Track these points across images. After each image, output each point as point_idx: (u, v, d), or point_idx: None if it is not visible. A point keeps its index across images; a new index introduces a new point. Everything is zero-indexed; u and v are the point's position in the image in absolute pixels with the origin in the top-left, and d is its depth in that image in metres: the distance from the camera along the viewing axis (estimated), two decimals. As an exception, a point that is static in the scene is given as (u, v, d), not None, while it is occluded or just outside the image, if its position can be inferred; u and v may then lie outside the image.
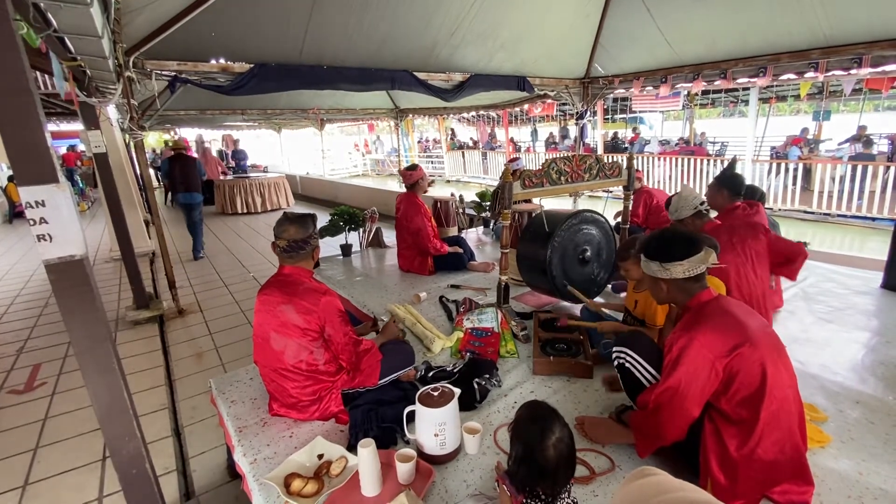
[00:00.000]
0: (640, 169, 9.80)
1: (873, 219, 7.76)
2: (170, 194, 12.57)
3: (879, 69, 3.85)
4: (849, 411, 1.97)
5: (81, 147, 14.21)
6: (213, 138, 15.42)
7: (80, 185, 13.71)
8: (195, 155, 14.47)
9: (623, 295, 3.02)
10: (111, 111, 5.86)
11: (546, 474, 1.19)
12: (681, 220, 2.63)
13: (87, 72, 3.34)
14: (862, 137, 9.31)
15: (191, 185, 6.52)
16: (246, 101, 7.86)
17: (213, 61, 3.88)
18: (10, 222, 10.70)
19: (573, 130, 13.26)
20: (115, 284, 5.60)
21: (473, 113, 10.50)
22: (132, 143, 4.06)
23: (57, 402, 3.14)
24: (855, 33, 3.78)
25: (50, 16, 1.92)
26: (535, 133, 18.36)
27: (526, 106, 7.45)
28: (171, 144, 6.83)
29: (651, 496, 0.67)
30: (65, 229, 1.35)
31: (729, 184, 2.95)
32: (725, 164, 9.74)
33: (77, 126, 6.79)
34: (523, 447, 1.22)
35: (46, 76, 6.02)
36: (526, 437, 1.22)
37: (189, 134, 15.83)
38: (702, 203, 2.60)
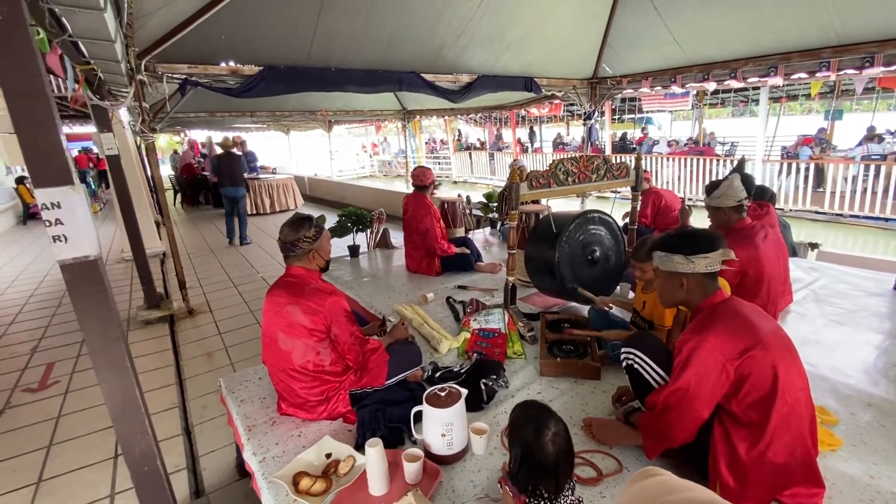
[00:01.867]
0: (648, 169, 9.75)
1: (886, 219, 7.65)
2: (179, 195, 12.77)
3: (892, 68, 3.79)
4: (860, 414, 1.95)
5: (95, 149, 14.44)
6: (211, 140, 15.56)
7: (93, 187, 13.91)
8: (204, 153, 14.62)
9: (631, 296, 3.00)
10: (123, 114, 5.95)
11: (548, 471, 1.20)
12: (719, 207, 2.55)
13: (100, 75, 3.40)
14: (874, 137, 9.18)
15: (235, 179, 7.36)
16: (255, 104, 7.92)
17: (223, 64, 3.92)
18: (25, 223, 10.88)
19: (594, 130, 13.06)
20: (126, 285, 5.68)
21: (481, 114, 10.50)
22: (143, 146, 4.11)
23: (70, 400, 3.19)
24: (867, 32, 3.73)
25: (65, 21, 1.96)
26: (532, 134, 18.13)
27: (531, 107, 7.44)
28: (220, 143, 7.89)
29: (658, 495, 0.67)
30: (79, 230, 1.37)
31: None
32: (735, 163, 9.65)
33: (90, 128, 6.91)
34: (521, 448, 1.23)
35: (60, 79, 6.12)
36: (523, 437, 1.24)
37: (199, 136, 16.01)
38: (745, 198, 2.54)
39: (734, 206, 2.54)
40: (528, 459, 1.21)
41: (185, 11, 3.22)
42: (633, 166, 3.18)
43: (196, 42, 3.54)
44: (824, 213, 8.33)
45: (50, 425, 2.90)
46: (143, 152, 7.01)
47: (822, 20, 3.82)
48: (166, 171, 15.32)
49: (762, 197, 3.36)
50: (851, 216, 8.03)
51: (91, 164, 14.86)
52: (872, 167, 7.89)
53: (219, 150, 7.96)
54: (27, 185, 10.68)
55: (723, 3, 4.18)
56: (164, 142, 20.94)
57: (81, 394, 3.26)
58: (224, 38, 3.78)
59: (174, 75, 3.75)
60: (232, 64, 3.95)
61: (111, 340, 1.52)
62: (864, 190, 7.91)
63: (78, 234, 1.37)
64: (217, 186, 7.83)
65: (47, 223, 1.34)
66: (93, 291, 1.45)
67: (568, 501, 1.23)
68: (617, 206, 5.11)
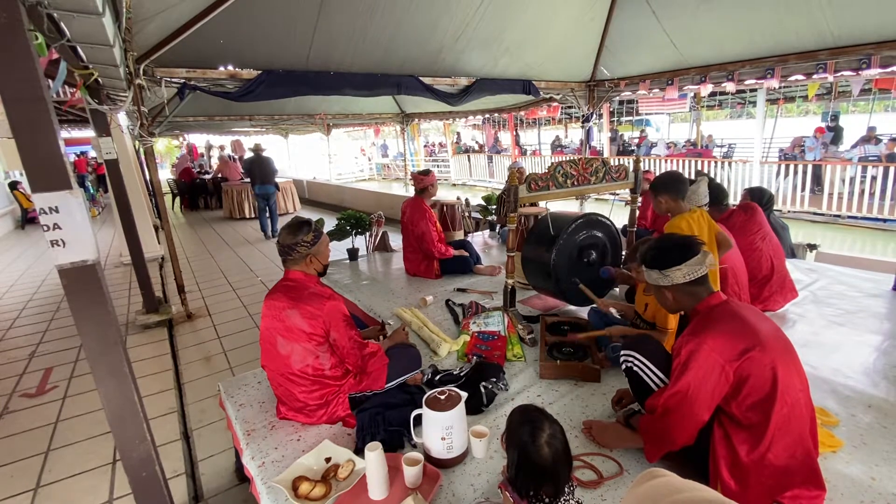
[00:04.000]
0: (649, 170, 9.70)
1: (884, 220, 7.67)
2: (178, 199, 12.78)
3: (889, 69, 3.82)
4: (861, 415, 1.95)
5: (92, 153, 14.47)
6: (221, 143, 15.60)
7: (92, 191, 13.90)
8: (203, 157, 14.69)
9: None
10: (122, 118, 5.95)
11: (546, 474, 1.20)
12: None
13: (99, 80, 3.40)
14: (871, 139, 9.23)
15: (266, 178, 8.20)
16: (253, 107, 7.95)
17: (222, 68, 3.93)
18: (23, 228, 10.85)
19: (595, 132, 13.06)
20: (125, 289, 5.67)
21: (480, 117, 10.54)
22: (142, 150, 4.11)
23: (68, 405, 3.18)
24: (863, 34, 3.76)
25: (63, 25, 1.96)
26: (517, 137, 17.89)
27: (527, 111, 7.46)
28: (252, 147, 8.60)
29: (664, 495, 0.67)
30: (78, 235, 1.37)
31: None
32: (733, 166, 9.67)
33: (88, 133, 6.93)
34: (518, 452, 1.23)
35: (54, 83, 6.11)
36: (518, 441, 1.24)
37: (198, 140, 16.03)
38: (706, 204, 2.72)
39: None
40: (525, 463, 1.21)
41: (184, 16, 3.22)
42: (631, 169, 3.18)
43: (194, 46, 3.55)
44: (822, 215, 8.35)
45: (48, 430, 2.89)
46: (142, 156, 7.02)
47: (819, 22, 3.84)
48: (165, 174, 15.33)
49: (759, 199, 3.37)
50: (849, 217, 8.05)
51: (90, 169, 14.86)
52: (870, 168, 7.92)
53: (246, 154, 8.83)
54: (21, 190, 10.68)
55: (719, 6, 4.20)
56: (163, 146, 20.97)
57: (79, 399, 3.24)
58: (223, 42, 3.79)
59: (173, 79, 3.76)
60: (230, 68, 3.96)
61: (109, 345, 1.51)
62: (862, 191, 7.94)
63: (76, 239, 1.37)
64: (251, 184, 8.57)
65: (45, 228, 1.34)
66: (91, 296, 1.44)
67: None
68: (616, 209, 5.13)
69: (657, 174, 3.17)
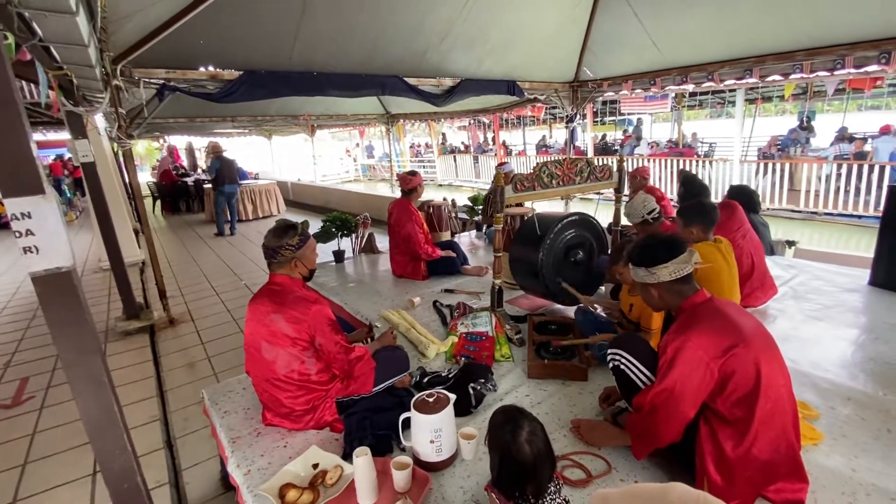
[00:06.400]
0: (645, 167, 9.69)
1: (859, 216, 7.89)
2: (158, 202, 12.54)
3: (861, 70, 3.92)
4: (840, 408, 1.99)
5: (69, 156, 14.08)
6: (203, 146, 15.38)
7: (68, 195, 13.54)
8: (183, 161, 14.52)
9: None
10: (99, 120, 5.80)
11: (528, 473, 1.20)
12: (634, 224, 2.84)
13: (74, 81, 3.31)
14: (846, 138, 9.49)
15: (234, 178, 8.96)
16: (236, 108, 7.83)
17: (202, 69, 3.86)
18: (-5, 233, 10.52)
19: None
20: (104, 295, 5.53)
21: (468, 120, 10.56)
22: (120, 152, 4.01)
23: (45, 416, 3.08)
24: (837, 35, 3.85)
25: (35, 25, 1.90)
26: (497, 137, 17.79)
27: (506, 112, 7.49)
28: (213, 148, 9.31)
29: (658, 499, 0.69)
30: (51, 241, 1.32)
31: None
32: (714, 164, 9.84)
33: (64, 135, 6.75)
34: (499, 452, 1.24)
35: (32, 85, 5.94)
36: (499, 442, 1.25)
37: (179, 142, 15.75)
38: (649, 212, 2.74)
39: (640, 223, 2.78)
40: (507, 463, 1.22)
41: (162, 16, 3.16)
42: (615, 168, 3.21)
43: (174, 46, 3.48)
44: (799, 212, 8.57)
45: (25, 442, 2.80)
46: (121, 159, 6.87)
47: (794, 24, 3.93)
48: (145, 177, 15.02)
49: (742, 200, 3.42)
50: (826, 214, 8.26)
51: (66, 172, 14.45)
52: (845, 166, 8.14)
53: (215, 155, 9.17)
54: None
55: (699, 8, 4.27)
56: (143, 148, 20.57)
57: (58, 409, 3.15)
58: (203, 43, 3.72)
59: (151, 80, 3.68)
60: (211, 68, 3.89)
61: (86, 354, 1.47)
62: (837, 189, 8.16)
63: (50, 245, 1.33)
64: (216, 184, 8.96)
65: (17, 234, 1.29)
66: (66, 304, 1.40)
67: (556, 502, 1.23)
68: (601, 207, 5.17)
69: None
